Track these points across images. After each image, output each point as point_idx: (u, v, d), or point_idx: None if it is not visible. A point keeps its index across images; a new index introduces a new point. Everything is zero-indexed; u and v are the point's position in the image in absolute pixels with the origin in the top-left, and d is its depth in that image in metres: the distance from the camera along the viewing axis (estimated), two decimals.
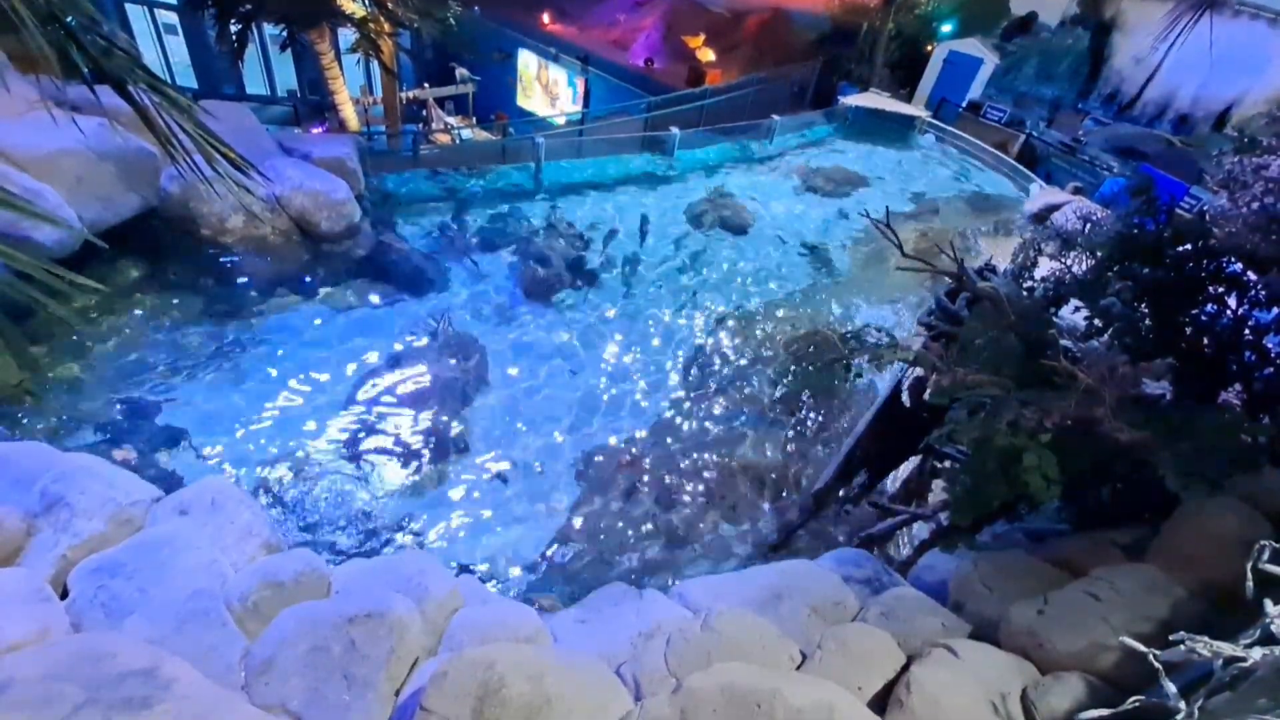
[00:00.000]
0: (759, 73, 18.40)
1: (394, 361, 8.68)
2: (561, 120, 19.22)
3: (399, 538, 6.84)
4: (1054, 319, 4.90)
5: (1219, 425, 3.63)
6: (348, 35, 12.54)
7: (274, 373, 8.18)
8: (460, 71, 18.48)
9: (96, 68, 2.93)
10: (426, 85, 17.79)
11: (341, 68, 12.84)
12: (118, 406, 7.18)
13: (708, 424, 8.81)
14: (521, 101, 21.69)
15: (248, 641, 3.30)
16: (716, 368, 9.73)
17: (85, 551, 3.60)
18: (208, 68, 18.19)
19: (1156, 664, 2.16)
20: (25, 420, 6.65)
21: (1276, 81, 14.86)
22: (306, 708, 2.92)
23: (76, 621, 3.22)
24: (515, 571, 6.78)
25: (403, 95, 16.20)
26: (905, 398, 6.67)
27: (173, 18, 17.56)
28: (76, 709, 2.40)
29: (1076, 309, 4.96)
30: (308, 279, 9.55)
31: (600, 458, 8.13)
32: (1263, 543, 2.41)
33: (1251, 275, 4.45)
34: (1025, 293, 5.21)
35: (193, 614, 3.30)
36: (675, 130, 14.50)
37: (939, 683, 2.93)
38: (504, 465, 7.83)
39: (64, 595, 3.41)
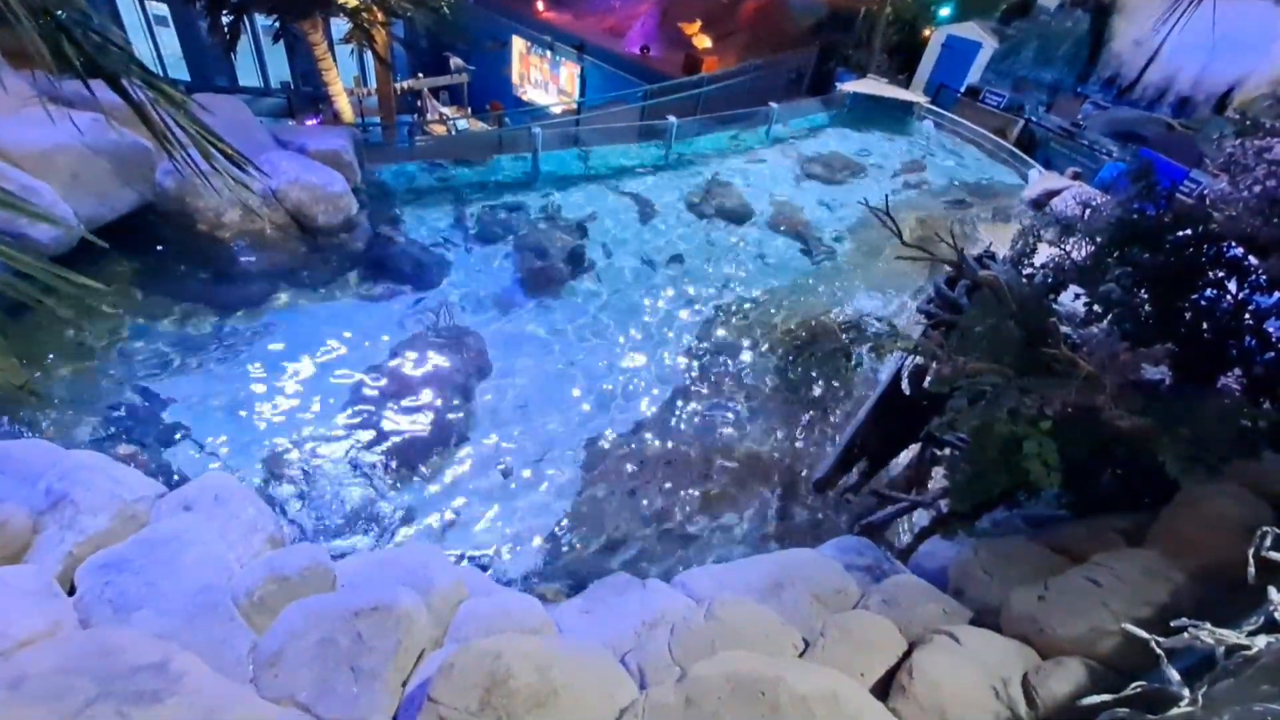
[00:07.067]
0: (756, 60, 18.24)
1: (393, 354, 8.67)
2: (558, 110, 19.10)
3: (402, 530, 6.87)
4: (1054, 306, 4.90)
5: (1219, 410, 3.64)
6: (341, 25, 12.43)
7: (274, 367, 8.18)
8: (454, 61, 18.30)
9: (90, 62, 2.91)
10: (421, 75, 17.63)
11: (335, 58, 12.74)
12: (119, 403, 7.19)
13: (708, 413, 8.82)
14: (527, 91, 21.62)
15: (255, 635, 3.33)
16: (716, 356, 9.73)
17: (91, 548, 3.63)
18: (200, 60, 18.05)
19: (1159, 650, 2.19)
20: (28, 418, 6.66)
21: (1279, 63, 14.73)
22: (315, 700, 2.94)
23: (85, 617, 3.24)
24: (518, 562, 6.82)
25: (397, 86, 16.08)
26: (905, 386, 6.67)
27: (164, 9, 17.40)
28: (89, 703, 2.43)
29: (1076, 295, 4.96)
30: (305, 272, 9.52)
31: (601, 448, 8.15)
32: (1265, 529, 2.43)
33: (1252, 259, 4.44)
34: (1025, 279, 5.20)
35: (200, 608, 3.33)
36: (672, 119, 14.41)
37: (941, 668, 2.96)
38: (505, 457, 7.85)
39: (71, 591, 3.43)
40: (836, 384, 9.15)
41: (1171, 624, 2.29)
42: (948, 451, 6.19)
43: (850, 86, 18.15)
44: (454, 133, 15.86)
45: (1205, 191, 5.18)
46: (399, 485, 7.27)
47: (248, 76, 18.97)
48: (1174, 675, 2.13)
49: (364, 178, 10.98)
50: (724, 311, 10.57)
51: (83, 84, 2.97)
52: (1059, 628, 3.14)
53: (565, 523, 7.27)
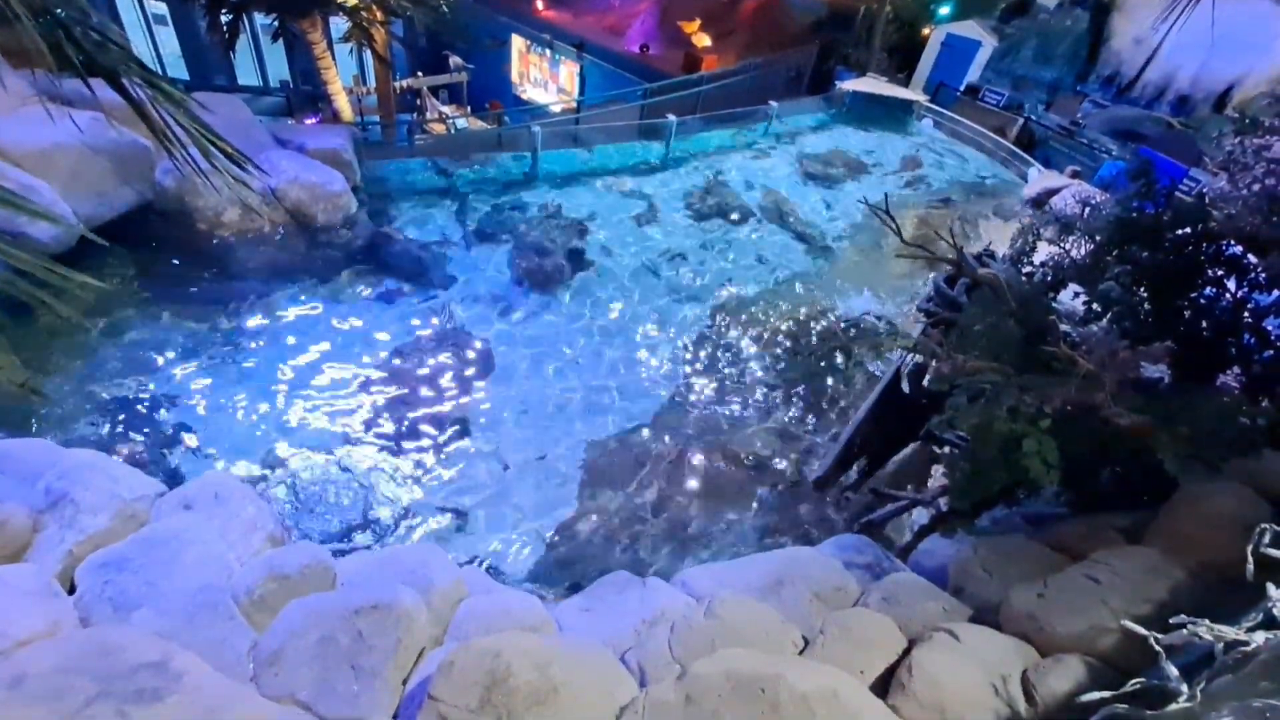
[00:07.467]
0: (756, 58, 18.23)
1: (393, 352, 8.68)
2: (557, 108, 19.08)
3: (402, 528, 6.88)
4: (1053, 304, 4.90)
5: (1218, 408, 3.64)
6: (340, 24, 12.41)
7: (273, 365, 8.18)
8: (454, 60, 18.28)
9: (90, 61, 2.91)
10: (420, 74, 17.60)
11: (334, 57, 12.71)
12: (119, 403, 7.19)
13: (709, 411, 8.83)
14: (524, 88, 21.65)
15: (255, 634, 3.33)
16: (716, 355, 9.74)
17: (91, 547, 3.63)
18: (199, 58, 18.02)
19: (1158, 647, 2.19)
20: (28, 417, 6.66)
21: (1279, 61, 14.72)
22: (315, 698, 2.95)
23: (85, 616, 3.25)
24: (518, 560, 6.83)
25: (396, 85, 16.05)
26: (905, 384, 6.67)
27: (163, 8, 17.38)
28: (89, 702, 2.43)
29: (1075, 294, 4.96)
30: (305, 271, 9.52)
31: (601, 445, 8.15)
32: (1263, 526, 2.43)
33: (1251, 258, 4.45)
34: (1024, 278, 5.20)
35: (201, 607, 3.33)
36: (672, 117, 14.39)
37: (940, 665, 2.96)
38: (506, 455, 7.85)
39: (71, 591, 3.43)
40: (836, 382, 9.16)
41: (1170, 621, 2.29)
42: (947, 450, 6.19)
43: (850, 85, 18.12)
44: (453, 131, 15.85)
45: (1204, 190, 5.19)
46: (399, 483, 7.27)
47: (247, 75, 18.94)
48: (1173, 672, 2.13)
49: (363, 176, 10.97)
50: (723, 310, 10.57)
51: (82, 82, 2.97)
52: (1058, 625, 3.15)
53: (566, 520, 7.27)
